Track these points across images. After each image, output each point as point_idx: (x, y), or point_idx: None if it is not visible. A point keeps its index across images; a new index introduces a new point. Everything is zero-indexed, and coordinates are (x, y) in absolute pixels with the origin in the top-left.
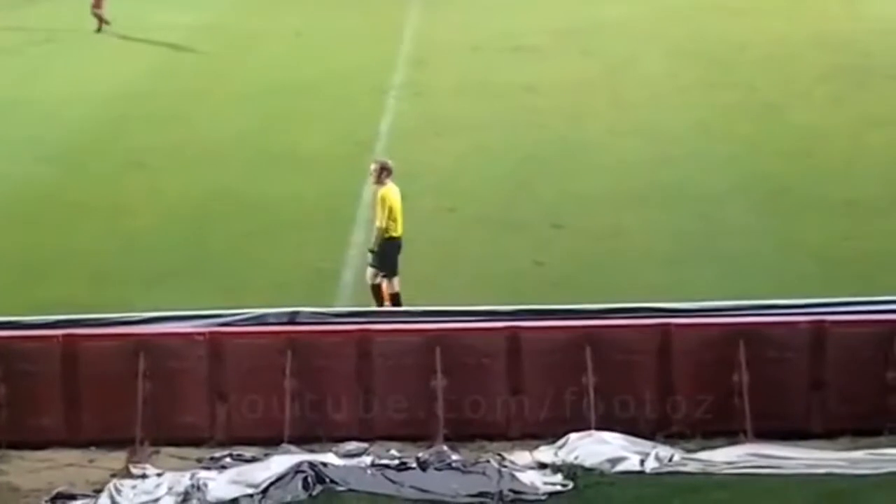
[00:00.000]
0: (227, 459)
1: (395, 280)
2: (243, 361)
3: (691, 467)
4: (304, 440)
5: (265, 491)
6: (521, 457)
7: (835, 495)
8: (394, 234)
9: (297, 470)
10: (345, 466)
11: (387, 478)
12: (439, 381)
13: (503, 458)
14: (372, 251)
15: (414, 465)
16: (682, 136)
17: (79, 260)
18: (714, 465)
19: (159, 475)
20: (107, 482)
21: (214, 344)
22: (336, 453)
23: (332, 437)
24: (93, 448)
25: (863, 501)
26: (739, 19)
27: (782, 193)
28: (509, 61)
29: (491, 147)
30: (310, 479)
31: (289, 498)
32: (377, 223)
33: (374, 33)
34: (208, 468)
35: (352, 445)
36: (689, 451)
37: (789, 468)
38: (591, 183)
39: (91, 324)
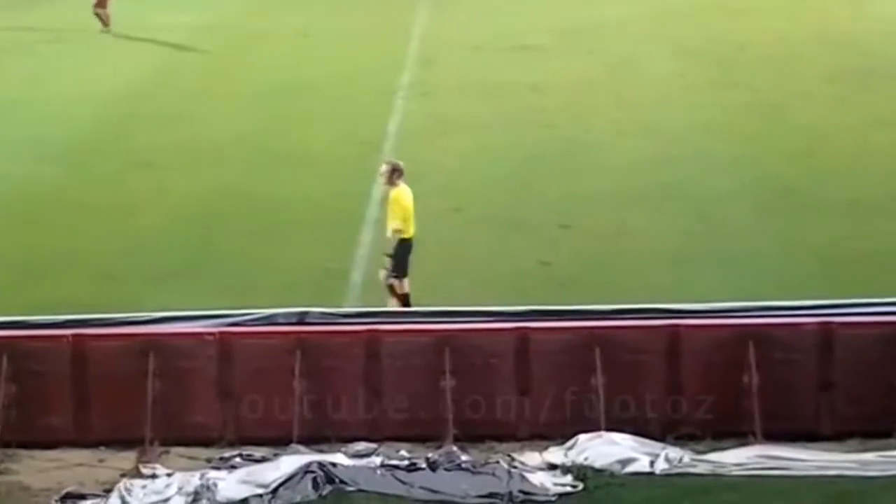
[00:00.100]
0: (237, 459)
1: (405, 281)
2: (253, 361)
3: (701, 469)
4: (313, 440)
5: (275, 491)
6: (530, 458)
7: (844, 497)
8: (405, 236)
9: (306, 470)
10: (354, 467)
11: (396, 478)
12: (448, 382)
13: (513, 459)
14: (389, 255)
15: (423, 465)
16: (686, 136)
17: (85, 260)
18: (724, 467)
19: (169, 475)
20: (117, 482)
21: (224, 344)
22: (345, 453)
23: (341, 438)
24: (102, 448)
25: (872, 503)
26: (742, 19)
27: (786, 194)
28: (514, 61)
29: (496, 147)
30: (319, 480)
31: (298, 498)
32: (392, 225)
33: (381, 33)
34: (218, 468)
35: (361, 446)
36: (698, 452)
37: (799, 470)
38: (597, 183)
39: (100, 323)
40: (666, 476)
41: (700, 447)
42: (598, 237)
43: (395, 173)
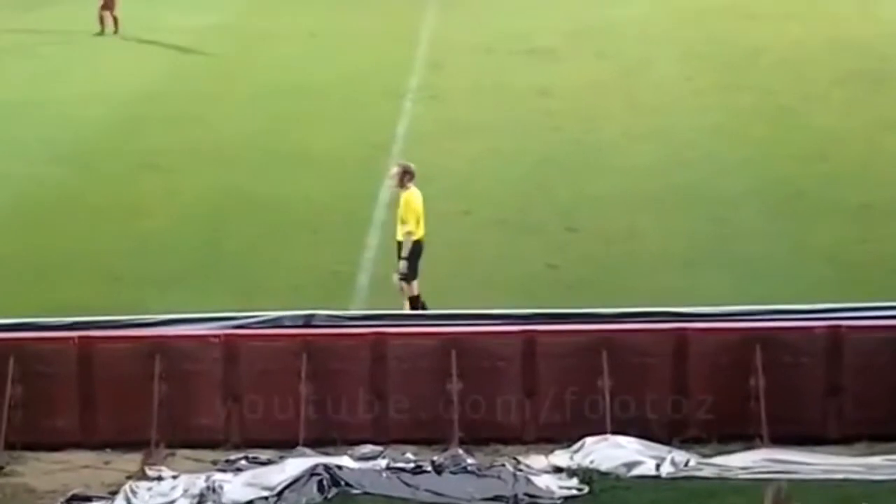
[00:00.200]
0: (243, 462)
1: (415, 283)
2: (258, 364)
3: (707, 472)
4: (318, 443)
5: (280, 493)
6: (536, 461)
7: (851, 501)
8: (416, 238)
9: (312, 473)
10: (360, 469)
11: (402, 481)
12: (454, 385)
13: (518, 462)
14: (405, 258)
15: (429, 468)
16: (697, 139)
17: (93, 261)
18: (730, 470)
19: (175, 477)
20: (122, 484)
21: (230, 346)
22: (351, 456)
23: (346, 440)
24: (108, 450)
25: None
26: (753, 22)
27: (797, 197)
28: (524, 63)
29: (505, 150)
30: (325, 482)
31: (304, 501)
32: (405, 228)
33: (389, 35)
34: (223, 470)
35: (367, 448)
36: (704, 455)
37: (806, 473)
38: (606, 186)
39: (106, 326)
40: (672, 479)
41: (706, 450)
42: (608, 240)
43: (406, 176)
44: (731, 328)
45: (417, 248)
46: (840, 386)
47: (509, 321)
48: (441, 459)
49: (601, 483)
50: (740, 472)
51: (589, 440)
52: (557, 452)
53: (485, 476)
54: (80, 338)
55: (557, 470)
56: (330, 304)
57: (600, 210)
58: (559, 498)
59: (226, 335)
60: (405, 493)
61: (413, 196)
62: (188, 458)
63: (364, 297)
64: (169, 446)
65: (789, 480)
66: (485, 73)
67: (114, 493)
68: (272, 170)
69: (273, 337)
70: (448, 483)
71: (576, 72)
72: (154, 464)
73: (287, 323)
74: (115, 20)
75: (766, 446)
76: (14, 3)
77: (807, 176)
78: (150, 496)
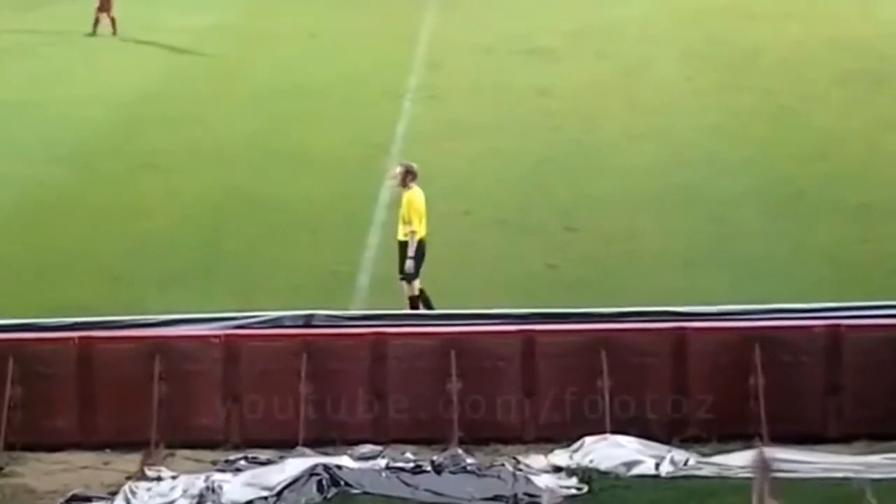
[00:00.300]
0: (242, 462)
1: (416, 283)
2: (258, 364)
3: (706, 471)
4: (318, 443)
5: (280, 494)
6: (535, 460)
7: (850, 499)
8: (418, 237)
9: (311, 473)
10: (359, 469)
11: (401, 481)
12: (454, 385)
13: (518, 462)
14: (411, 258)
15: (429, 468)
16: (697, 139)
17: (93, 261)
18: (729, 469)
19: (174, 478)
20: (122, 484)
21: (229, 346)
22: (351, 456)
23: (346, 440)
24: (108, 450)
25: None
26: (753, 22)
27: (797, 197)
28: (523, 64)
29: (505, 150)
30: (324, 482)
31: (303, 501)
32: (408, 227)
33: (389, 35)
34: (223, 471)
35: (366, 448)
36: (704, 454)
37: (805, 472)
38: (606, 186)
39: (106, 326)
40: (671, 478)
41: (706, 449)
42: (608, 240)
43: (408, 176)
44: (731, 328)
45: (421, 247)
46: (839, 385)
47: (509, 321)
48: (441, 459)
49: (601, 482)
50: (739, 470)
51: (588, 440)
52: (557, 452)
53: (484, 476)
54: (80, 338)
55: (557, 469)
56: (330, 304)
57: (600, 210)
58: (559, 497)
59: (226, 335)
60: (405, 492)
61: (416, 196)
62: (188, 459)
63: (364, 297)
64: (169, 446)
65: (789, 479)
66: (485, 73)
67: (113, 494)
68: (272, 170)
69: (273, 337)
70: (448, 483)
71: (576, 72)
72: (153, 464)
73: (287, 323)
74: (113, 21)
75: (766, 445)
76: (14, 3)
77: (807, 176)
78: (150, 496)
